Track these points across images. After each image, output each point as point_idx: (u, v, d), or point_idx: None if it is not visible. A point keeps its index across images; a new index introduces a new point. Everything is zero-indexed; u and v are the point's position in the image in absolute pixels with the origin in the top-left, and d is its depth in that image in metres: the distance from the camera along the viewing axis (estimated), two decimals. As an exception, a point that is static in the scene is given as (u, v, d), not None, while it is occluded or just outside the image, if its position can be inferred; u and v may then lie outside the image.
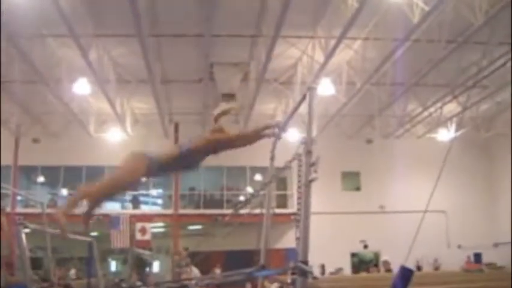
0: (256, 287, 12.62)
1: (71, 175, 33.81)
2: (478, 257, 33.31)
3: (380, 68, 23.92)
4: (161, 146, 25.56)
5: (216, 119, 6.56)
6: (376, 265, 32.15)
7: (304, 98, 5.07)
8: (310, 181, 4.56)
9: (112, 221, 29.84)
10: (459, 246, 33.51)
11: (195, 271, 23.82)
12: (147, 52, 21.37)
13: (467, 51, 23.19)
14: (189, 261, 24.70)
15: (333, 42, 21.27)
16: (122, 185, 6.05)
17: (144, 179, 6.13)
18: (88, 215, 6.27)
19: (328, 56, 21.75)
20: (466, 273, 18.00)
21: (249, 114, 29.22)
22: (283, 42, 22.25)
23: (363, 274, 30.33)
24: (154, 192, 36.50)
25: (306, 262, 4.37)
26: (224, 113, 6.60)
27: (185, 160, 6.14)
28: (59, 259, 30.86)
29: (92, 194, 6.06)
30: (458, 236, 33.68)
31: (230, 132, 6.53)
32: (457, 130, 32.62)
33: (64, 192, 34.82)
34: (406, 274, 4.47)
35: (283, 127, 6.60)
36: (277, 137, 6.70)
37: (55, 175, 33.82)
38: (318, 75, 23.83)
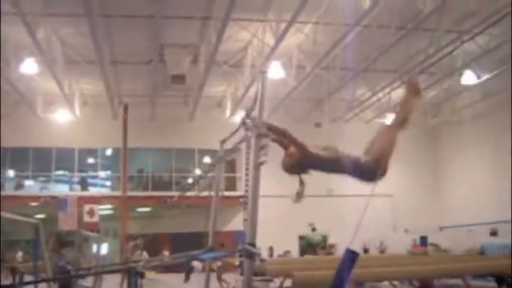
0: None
1: (18, 156, 33.37)
2: (423, 240, 33.79)
3: (330, 53, 24.04)
4: (110, 129, 25.38)
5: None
6: (324, 247, 32.51)
7: (255, 80, 5.05)
8: (260, 164, 4.57)
9: (60, 202, 29.56)
10: (406, 230, 33.93)
11: (145, 256, 23.74)
12: (96, 32, 21.11)
13: (416, 38, 23.45)
14: (142, 247, 24.64)
15: (283, 25, 21.30)
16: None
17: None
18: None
19: (279, 39, 21.78)
20: (411, 256, 18.22)
21: (198, 96, 29.12)
22: (234, 25, 22.19)
23: (309, 256, 30.63)
24: (102, 174, 36.19)
25: (253, 244, 4.39)
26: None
27: (323, 165, 5.89)
28: (6, 241, 30.47)
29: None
30: (405, 219, 34.13)
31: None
32: (404, 115, 32.91)
33: (10, 173, 34.35)
34: (351, 257, 4.50)
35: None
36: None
37: (1, 156, 33.22)
38: (268, 58, 23.83)
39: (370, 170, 5.79)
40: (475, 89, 29.05)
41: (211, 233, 7.59)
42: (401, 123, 5.72)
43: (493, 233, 18.24)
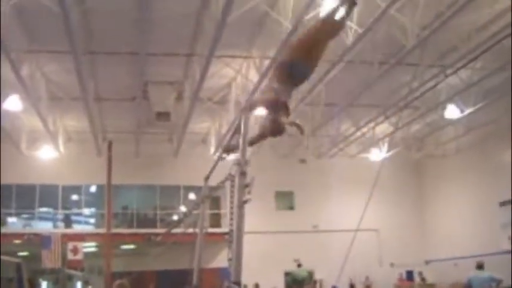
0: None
1: (1, 193, 33.08)
2: (410, 274, 33.86)
3: (314, 89, 24.14)
4: (94, 165, 25.35)
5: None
6: (307, 283, 32.36)
7: (235, 120, 5.06)
8: (244, 202, 4.57)
9: (43, 240, 29.31)
10: (391, 264, 33.96)
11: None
12: (80, 69, 21.08)
13: (399, 73, 23.69)
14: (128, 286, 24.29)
15: (267, 62, 21.38)
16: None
17: None
18: None
19: (263, 76, 21.81)
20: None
21: (183, 133, 29.10)
22: (217, 62, 22.23)
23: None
24: (86, 211, 35.97)
25: (238, 283, 4.37)
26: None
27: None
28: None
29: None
30: (391, 254, 34.20)
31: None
32: (388, 150, 33.14)
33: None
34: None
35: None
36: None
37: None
38: (252, 95, 23.89)
39: None
40: (459, 122, 29.22)
41: (196, 271, 7.55)
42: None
43: (479, 266, 18.18)
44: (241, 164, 4.69)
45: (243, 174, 4.65)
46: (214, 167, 6.70)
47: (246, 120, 4.88)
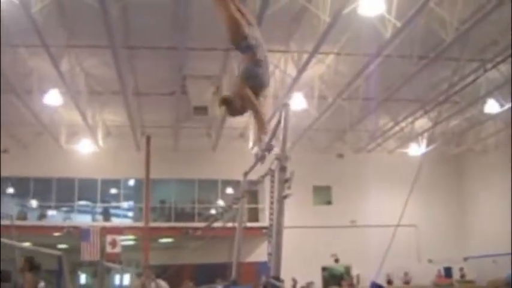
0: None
1: (41, 187, 33.57)
2: (448, 271, 33.51)
3: (352, 83, 24.04)
4: (133, 159, 25.51)
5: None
6: (345, 278, 32.30)
7: (273, 115, 5.06)
8: (284, 197, 4.54)
9: (82, 233, 29.54)
10: (430, 261, 33.68)
11: (163, 285, 23.61)
12: (119, 64, 21.24)
13: (439, 67, 23.45)
14: (153, 277, 24.47)
15: (305, 56, 21.32)
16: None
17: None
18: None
19: (301, 70, 21.78)
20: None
21: (221, 127, 29.14)
22: (254, 56, 22.20)
23: (334, 288, 30.39)
24: (125, 204, 36.26)
25: (277, 278, 4.35)
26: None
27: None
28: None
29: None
30: (429, 250, 33.91)
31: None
32: (427, 145, 32.85)
33: (33, 203, 34.53)
34: (377, 290, 4.46)
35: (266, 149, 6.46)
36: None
37: (25, 186, 33.49)
38: (290, 89, 23.87)
39: None
40: (498, 117, 28.84)
41: (234, 265, 7.55)
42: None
43: None
44: (281, 159, 4.67)
45: (282, 169, 4.63)
46: (254, 166, 6.69)
47: (286, 115, 4.83)
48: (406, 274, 32.83)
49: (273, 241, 4.43)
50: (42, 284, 28.94)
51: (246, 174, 6.93)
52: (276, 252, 4.40)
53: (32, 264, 11.74)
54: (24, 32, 19.24)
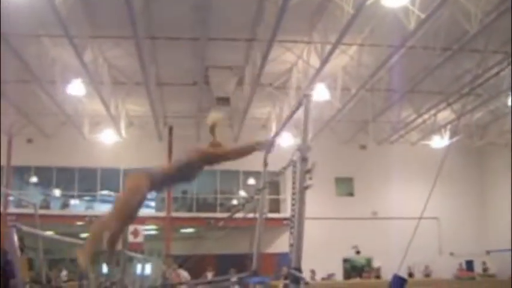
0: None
1: (64, 176, 33.80)
2: (469, 264, 33.34)
3: (375, 74, 23.96)
4: (155, 149, 25.53)
5: (212, 131, 6.64)
6: (366, 270, 32.25)
7: (299, 104, 5.05)
8: (305, 188, 4.55)
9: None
10: (451, 254, 33.54)
11: (184, 274, 23.66)
12: (142, 54, 21.31)
13: (462, 59, 23.28)
14: (175, 267, 24.55)
15: (328, 47, 21.27)
16: (133, 206, 6.16)
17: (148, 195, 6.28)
18: (113, 242, 6.45)
19: (324, 61, 21.73)
20: (457, 281, 18.03)
21: (243, 118, 29.17)
22: (278, 47, 22.21)
23: (355, 280, 30.36)
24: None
25: (299, 269, 4.36)
26: (215, 125, 6.68)
27: (183, 172, 6.30)
28: (51, 260, 30.74)
29: (110, 226, 6.18)
30: (450, 243, 33.74)
31: (225, 146, 6.68)
32: (450, 137, 32.67)
33: (57, 193, 34.79)
34: (399, 282, 4.47)
35: (272, 143, 6.71)
36: (268, 152, 6.80)
37: (48, 176, 33.76)
38: (313, 80, 23.83)
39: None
40: (523, 110, 28.63)
41: (255, 256, 7.56)
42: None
43: None
44: (303, 150, 4.67)
45: (304, 160, 4.63)
46: (265, 158, 6.92)
47: (307, 106, 4.83)
48: (426, 267, 32.68)
49: (295, 232, 4.43)
50: (64, 272, 29.23)
51: (265, 163, 6.93)
52: (298, 243, 4.40)
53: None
54: (48, 23, 19.40)
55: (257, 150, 6.80)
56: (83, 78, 24.48)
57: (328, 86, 25.85)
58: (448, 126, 31.97)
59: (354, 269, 34.38)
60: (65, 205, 34.77)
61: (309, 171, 4.58)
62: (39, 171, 33.97)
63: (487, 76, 23.92)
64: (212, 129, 6.71)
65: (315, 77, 23.50)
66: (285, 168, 5.37)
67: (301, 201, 4.55)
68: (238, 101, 27.22)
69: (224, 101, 26.23)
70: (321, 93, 25.29)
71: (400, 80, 25.15)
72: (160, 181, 6.28)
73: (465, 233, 34.20)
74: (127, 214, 6.25)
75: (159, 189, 6.47)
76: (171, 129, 32.40)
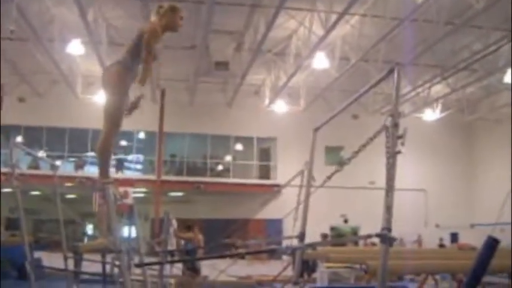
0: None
1: (54, 136, 33.59)
2: (454, 236, 33.79)
3: (376, 46, 24.05)
4: (148, 112, 25.26)
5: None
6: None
7: (387, 74, 5.16)
8: (397, 153, 4.69)
9: (95, 183, 29.69)
10: (436, 225, 33.98)
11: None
12: (144, 15, 21.15)
13: (462, 34, 23.42)
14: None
15: (331, 16, 21.34)
16: (120, 94, 6.36)
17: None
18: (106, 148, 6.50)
19: (328, 30, 21.79)
20: (461, 251, 18.32)
21: (240, 83, 29.20)
22: (281, 14, 22.12)
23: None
24: (135, 157, 36.35)
25: (389, 229, 4.52)
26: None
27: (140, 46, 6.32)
28: (36, 221, 30.82)
29: (107, 136, 6.32)
30: (437, 215, 34.16)
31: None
32: (442, 111, 32.97)
33: (44, 153, 34.55)
34: (491, 244, 4.62)
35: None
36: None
37: (37, 135, 33.48)
38: (314, 48, 23.90)
39: None
40: (515, 87, 28.92)
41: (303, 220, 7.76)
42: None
43: None
44: (395, 116, 4.80)
45: (396, 125, 4.76)
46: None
47: (398, 75, 4.94)
48: (419, 237, 32.96)
49: (386, 196, 4.57)
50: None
51: (317, 128, 7.02)
52: (388, 206, 4.54)
53: None
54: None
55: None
56: (81, 37, 24.31)
57: (326, 55, 25.93)
58: (440, 100, 32.23)
59: (339, 237, 34.76)
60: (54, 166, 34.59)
61: (401, 136, 4.71)
62: (28, 130, 33.61)
63: (485, 52, 24.08)
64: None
65: (317, 45, 23.55)
66: (378, 133, 5.46)
67: (393, 166, 4.68)
68: (236, 66, 27.17)
69: (223, 65, 26.23)
70: (320, 61, 25.42)
71: (398, 51, 25.23)
72: (131, 62, 6.28)
73: (451, 205, 34.66)
74: (118, 116, 6.33)
75: (135, 67, 6.43)
76: (163, 93, 32.24)
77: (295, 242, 8.42)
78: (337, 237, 34.78)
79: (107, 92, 6.32)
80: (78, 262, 10.43)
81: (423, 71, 27.81)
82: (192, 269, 14.78)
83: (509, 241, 24.89)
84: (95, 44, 24.50)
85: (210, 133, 34.54)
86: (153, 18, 6.52)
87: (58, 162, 33.48)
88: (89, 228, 40.17)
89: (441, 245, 30.37)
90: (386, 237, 4.48)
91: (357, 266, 13.62)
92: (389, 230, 4.50)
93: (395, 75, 4.94)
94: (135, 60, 6.33)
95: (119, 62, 6.33)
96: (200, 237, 24.31)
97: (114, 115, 6.28)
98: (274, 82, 30.60)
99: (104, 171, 6.24)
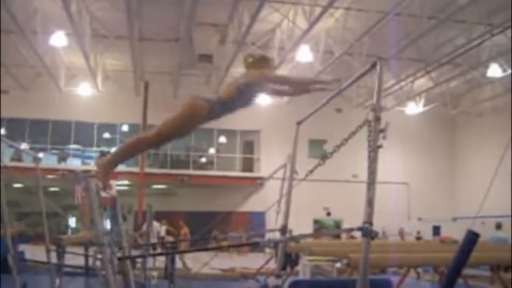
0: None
1: (37, 129, 33.43)
2: (437, 229, 33.98)
3: (359, 39, 24.12)
4: (131, 104, 25.27)
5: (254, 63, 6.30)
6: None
7: (370, 69, 5.19)
8: (378, 147, 4.73)
9: (78, 176, 29.60)
10: (419, 219, 34.14)
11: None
12: (130, 7, 21.10)
13: (446, 29, 23.49)
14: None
15: (315, 9, 21.36)
16: (180, 132, 5.85)
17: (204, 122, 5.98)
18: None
19: (312, 23, 21.81)
20: (443, 244, 18.48)
21: (224, 76, 29.16)
22: (266, 7, 22.11)
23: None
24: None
25: (371, 223, 4.55)
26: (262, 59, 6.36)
27: (243, 96, 5.96)
28: (19, 214, 30.66)
29: (151, 139, 5.87)
30: (419, 208, 34.30)
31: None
32: (425, 105, 33.10)
33: (27, 146, 34.35)
34: (471, 238, 4.66)
35: (333, 83, 6.63)
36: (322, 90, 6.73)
37: (20, 128, 33.29)
38: (298, 41, 23.91)
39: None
40: (498, 81, 29.08)
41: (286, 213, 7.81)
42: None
43: (498, 226, 18.82)
44: (377, 110, 4.84)
45: (377, 119, 4.80)
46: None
47: (381, 69, 4.97)
48: (402, 230, 33.08)
49: (368, 189, 4.61)
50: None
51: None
52: (370, 199, 4.58)
53: None
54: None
55: (316, 87, 6.65)
56: (64, 29, 24.20)
57: (310, 48, 25.95)
58: (424, 94, 32.37)
59: (322, 230, 34.92)
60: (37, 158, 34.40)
61: (382, 130, 4.75)
62: (11, 122, 33.37)
63: (468, 46, 24.19)
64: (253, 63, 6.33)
65: (301, 39, 23.56)
66: (361, 127, 5.49)
67: (375, 160, 4.72)
68: (219, 59, 27.14)
69: (206, 58, 26.21)
70: (304, 54, 25.45)
71: (382, 45, 25.29)
72: (220, 108, 5.94)
73: (434, 199, 34.86)
74: (171, 136, 5.99)
75: (217, 118, 6.10)
76: (146, 85, 32.15)
77: (278, 235, 8.43)
78: (321, 230, 34.95)
79: (183, 108, 5.86)
80: (61, 255, 10.38)
81: (407, 65, 27.83)
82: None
83: (490, 234, 25.12)
84: (79, 36, 24.33)
85: (193, 126, 34.47)
86: (247, 70, 6.25)
87: (41, 155, 33.69)
88: (72, 221, 40.05)
89: (418, 238, 30.60)
90: (367, 231, 4.51)
91: (339, 259, 13.67)
92: (370, 223, 4.53)
93: (378, 69, 4.93)
94: (223, 109, 6.02)
95: (209, 100, 5.96)
96: (186, 230, 24.46)
97: (166, 132, 5.87)
98: (259, 75, 30.56)
99: (111, 160, 5.85)
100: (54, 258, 10.19)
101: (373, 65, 5.08)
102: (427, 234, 32.49)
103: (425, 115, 34.54)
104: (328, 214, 34.18)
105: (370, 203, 4.61)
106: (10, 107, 31.07)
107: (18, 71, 30.57)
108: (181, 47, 26.07)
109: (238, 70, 30.34)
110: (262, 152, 34.37)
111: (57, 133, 33.75)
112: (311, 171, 7.10)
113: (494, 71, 27.00)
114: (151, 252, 11.82)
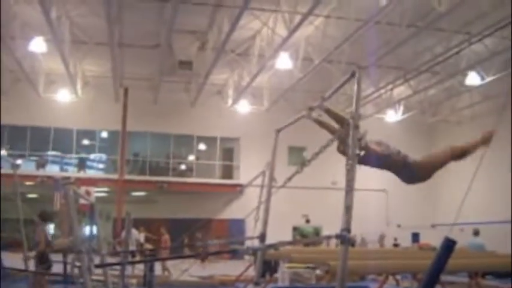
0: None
1: (15, 135, 33.14)
2: (416, 236, 34.11)
3: (339, 47, 24.17)
4: (110, 111, 25.09)
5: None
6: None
7: (349, 78, 5.25)
8: (357, 155, 4.76)
9: (57, 183, 29.48)
10: (398, 225, 34.22)
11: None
12: (110, 13, 21.06)
13: (425, 37, 23.65)
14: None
15: (295, 17, 21.43)
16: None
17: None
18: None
19: (292, 31, 21.87)
20: (421, 251, 18.54)
21: (203, 83, 29.16)
22: (246, 14, 22.11)
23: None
24: (98, 156, 36.11)
25: (348, 230, 4.58)
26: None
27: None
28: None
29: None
30: (398, 215, 34.41)
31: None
32: (404, 113, 33.25)
33: (5, 152, 34.07)
34: (448, 245, 4.70)
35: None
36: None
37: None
38: (278, 49, 23.96)
39: (412, 171, 6.61)
40: (476, 90, 29.30)
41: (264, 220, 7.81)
42: (459, 155, 6.11)
43: (475, 233, 18.96)
44: (355, 118, 4.88)
45: (356, 127, 4.84)
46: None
47: (359, 79, 5.02)
48: (381, 236, 33.16)
49: (347, 196, 4.64)
50: None
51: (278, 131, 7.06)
52: (348, 206, 4.61)
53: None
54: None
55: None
56: (43, 35, 24.11)
57: (290, 56, 26.01)
58: (402, 102, 32.53)
59: (302, 237, 34.88)
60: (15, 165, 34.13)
61: (360, 139, 4.79)
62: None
63: (446, 55, 24.36)
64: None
65: (280, 46, 23.61)
66: (336, 136, 5.54)
67: (353, 167, 4.75)
68: (199, 65, 27.14)
69: (186, 65, 26.24)
70: (283, 62, 25.52)
71: (361, 53, 25.39)
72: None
73: (413, 206, 35.02)
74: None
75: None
76: (126, 91, 32.08)
77: (257, 242, 8.45)
78: (301, 237, 34.94)
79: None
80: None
81: (386, 73, 27.98)
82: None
83: (466, 241, 25.27)
84: (58, 42, 24.24)
85: (173, 132, 34.45)
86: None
87: (19, 161, 33.50)
88: (51, 228, 39.73)
89: (395, 245, 30.72)
90: (345, 238, 4.54)
91: (317, 266, 13.68)
92: (348, 230, 4.56)
93: (356, 79, 4.98)
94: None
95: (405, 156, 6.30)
96: (166, 237, 24.42)
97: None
98: (237, 82, 30.66)
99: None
100: (32, 266, 10.15)
101: (353, 75, 5.10)
102: (407, 241, 32.62)
103: (404, 123, 34.74)
104: (307, 221, 34.23)
105: (348, 210, 4.65)
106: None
107: (-4, 77, 30.38)
108: (161, 53, 26.05)
109: (219, 77, 30.61)
110: (242, 159, 34.34)
111: (35, 139, 33.48)
112: (289, 179, 7.15)
113: (473, 79, 27.22)
114: (130, 259, 11.76)
